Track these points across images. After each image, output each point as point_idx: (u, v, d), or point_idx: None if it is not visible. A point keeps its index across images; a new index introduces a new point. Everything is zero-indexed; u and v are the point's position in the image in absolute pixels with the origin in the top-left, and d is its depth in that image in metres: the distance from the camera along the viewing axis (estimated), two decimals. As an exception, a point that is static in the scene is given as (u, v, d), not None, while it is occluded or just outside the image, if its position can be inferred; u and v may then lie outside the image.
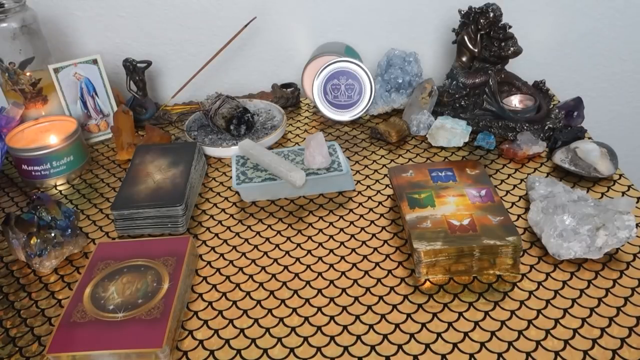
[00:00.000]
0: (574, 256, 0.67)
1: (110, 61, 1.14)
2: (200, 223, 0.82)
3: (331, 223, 0.79)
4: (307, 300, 0.66)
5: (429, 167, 0.81)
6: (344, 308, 0.64)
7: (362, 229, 0.77)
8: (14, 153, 0.92)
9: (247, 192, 0.84)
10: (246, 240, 0.77)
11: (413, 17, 1.14)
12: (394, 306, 0.64)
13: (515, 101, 1.02)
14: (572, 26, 1.16)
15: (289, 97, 1.13)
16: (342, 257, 0.72)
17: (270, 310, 0.65)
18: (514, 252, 0.65)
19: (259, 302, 0.66)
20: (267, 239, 0.77)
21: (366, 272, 0.70)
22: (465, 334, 0.60)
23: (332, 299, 0.66)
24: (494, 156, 0.92)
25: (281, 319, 0.64)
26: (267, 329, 0.63)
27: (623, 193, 0.81)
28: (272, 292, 0.68)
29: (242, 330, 0.63)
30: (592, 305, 0.62)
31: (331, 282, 0.69)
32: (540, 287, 0.65)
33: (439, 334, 0.60)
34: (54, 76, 1.00)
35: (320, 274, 0.70)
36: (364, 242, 0.75)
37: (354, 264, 0.71)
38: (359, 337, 0.61)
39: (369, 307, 0.64)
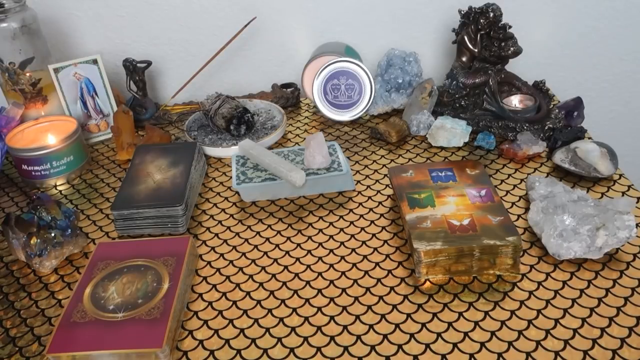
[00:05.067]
0: (574, 256, 0.67)
1: (110, 61, 1.14)
2: (200, 223, 0.82)
3: (331, 223, 0.79)
4: (307, 300, 0.66)
5: (429, 167, 0.81)
6: (344, 308, 0.64)
7: (362, 229, 0.77)
8: (14, 153, 0.92)
9: (247, 192, 0.84)
10: (246, 240, 0.77)
11: (413, 17, 1.14)
12: (394, 306, 0.64)
13: (515, 101, 1.02)
14: (572, 26, 1.16)
15: (289, 97, 1.13)
16: (342, 257, 0.72)
17: (270, 310, 0.65)
18: (514, 252, 0.65)
19: (259, 302, 0.66)
20: (267, 239, 0.77)
21: (366, 272, 0.70)
22: (465, 334, 0.60)
23: (332, 299, 0.66)
24: (494, 156, 0.92)
25: (281, 319, 0.64)
26: (267, 329, 0.63)
27: (623, 193, 0.81)
28: (272, 292, 0.68)
29: (242, 330, 0.63)
30: (592, 305, 0.62)
31: (331, 282, 0.69)
32: (540, 287, 0.65)
33: (439, 334, 0.60)
34: (54, 76, 1.00)
35: (320, 274, 0.70)
36: (364, 242, 0.75)
37: (354, 264, 0.71)
38: (359, 337, 0.61)
39: (369, 307, 0.64)
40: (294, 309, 0.65)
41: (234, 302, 0.67)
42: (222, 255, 0.75)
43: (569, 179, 0.84)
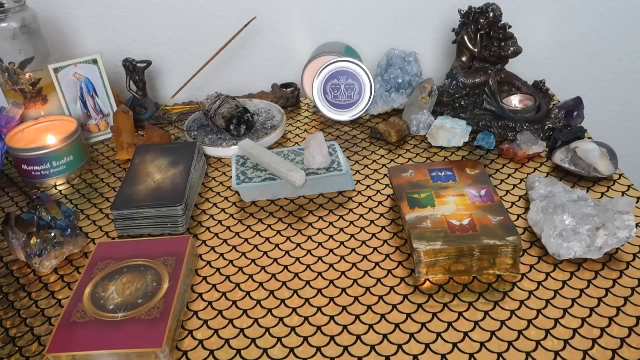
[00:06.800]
0: (574, 256, 0.67)
1: (110, 61, 1.14)
2: (200, 223, 0.82)
3: (331, 223, 0.79)
4: (307, 300, 0.66)
5: (429, 167, 0.81)
6: (344, 308, 0.64)
7: (362, 229, 0.77)
8: (14, 153, 0.92)
9: (247, 192, 0.84)
10: (246, 240, 0.77)
11: (413, 17, 1.14)
12: (394, 306, 0.64)
13: (515, 101, 1.02)
14: (572, 26, 1.16)
15: (289, 97, 1.13)
16: (342, 257, 0.72)
17: (270, 310, 0.65)
18: (514, 252, 0.65)
19: (259, 302, 0.66)
20: (267, 239, 0.77)
21: (366, 272, 0.70)
22: (465, 334, 0.60)
23: (332, 299, 0.66)
24: (494, 156, 0.92)
25: (281, 319, 0.64)
26: (267, 329, 0.63)
27: (623, 193, 0.81)
28: (272, 292, 0.68)
29: (242, 330, 0.63)
30: (592, 305, 0.62)
31: (331, 282, 0.69)
32: (540, 287, 0.65)
33: (439, 334, 0.60)
34: (54, 76, 1.00)
35: (320, 274, 0.70)
36: (364, 242, 0.75)
37: (354, 264, 0.71)
38: (359, 337, 0.61)
39: (369, 307, 0.64)
40: (294, 309, 0.65)
41: (234, 302, 0.67)
42: (222, 255, 0.75)
43: (569, 179, 0.84)
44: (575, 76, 1.22)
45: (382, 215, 0.80)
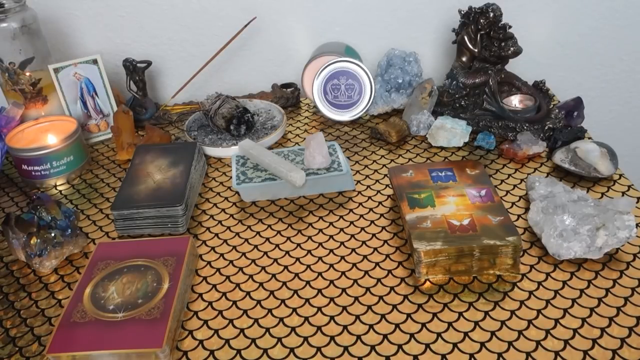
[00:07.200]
0: (574, 256, 0.67)
1: (110, 61, 1.14)
2: (200, 223, 0.82)
3: (331, 223, 0.79)
4: (307, 300, 0.66)
5: (429, 167, 0.81)
6: (344, 308, 0.64)
7: (362, 229, 0.77)
8: (14, 153, 0.92)
9: (247, 192, 0.84)
10: (246, 240, 0.77)
11: (413, 17, 1.14)
12: (394, 306, 0.64)
13: (515, 101, 1.02)
14: (572, 26, 1.16)
15: (289, 97, 1.13)
16: (342, 257, 0.72)
17: (270, 310, 0.65)
18: (514, 252, 0.65)
19: (259, 302, 0.66)
20: (267, 239, 0.77)
21: (366, 272, 0.70)
22: (465, 334, 0.60)
23: (332, 299, 0.66)
24: (494, 156, 0.92)
25: (281, 319, 0.64)
26: (267, 329, 0.63)
27: (623, 193, 0.81)
28: (272, 292, 0.68)
29: (242, 330, 0.63)
30: (592, 305, 0.62)
31: (331, 282, 0.69)
32: (540, 287, 0.65)
33: (439, 334, 0.60)
34: (54, 76, 1.00)
35: (320, 274, 0.70)
36: (364, 242, 0.75)
37: (354, 264, 0.71)
38: (359, 337, 0.61)
39: (369, 307, 0.64)
40: (294, 309, 0.65)
41: (234, 302, 0.67)
42: (222, 255, 0.75)
43: (569, 179, 0.84)
44: (575, 76, 1.22)
45: (382, 215, 0.80)
